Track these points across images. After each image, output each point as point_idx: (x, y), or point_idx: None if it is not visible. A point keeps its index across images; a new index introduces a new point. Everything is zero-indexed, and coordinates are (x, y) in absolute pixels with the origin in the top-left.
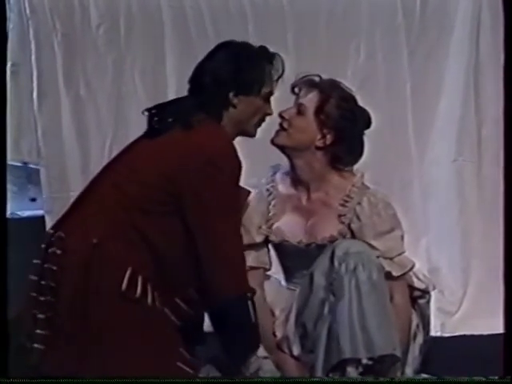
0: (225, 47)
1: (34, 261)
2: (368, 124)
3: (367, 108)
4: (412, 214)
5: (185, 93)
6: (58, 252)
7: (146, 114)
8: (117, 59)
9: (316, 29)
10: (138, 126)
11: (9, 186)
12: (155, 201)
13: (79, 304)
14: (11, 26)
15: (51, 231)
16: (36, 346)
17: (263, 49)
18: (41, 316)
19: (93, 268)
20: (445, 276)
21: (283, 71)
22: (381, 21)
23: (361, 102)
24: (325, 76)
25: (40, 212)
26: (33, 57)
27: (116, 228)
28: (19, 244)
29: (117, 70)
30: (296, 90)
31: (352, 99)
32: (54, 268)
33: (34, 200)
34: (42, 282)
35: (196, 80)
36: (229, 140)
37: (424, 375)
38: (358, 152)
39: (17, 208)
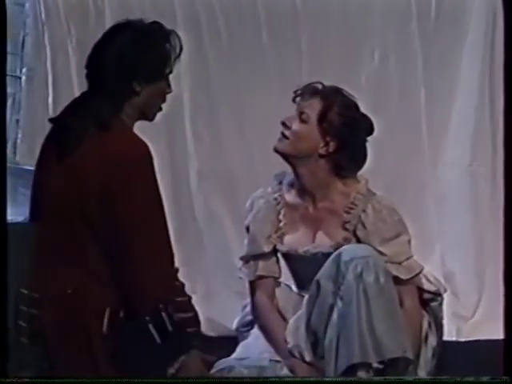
0: (121, 32)
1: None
2: (370, 131)
3: (381, 113)
4: (426, 219)
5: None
6: (35, 312)
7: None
8: None
9: (329, 32)
10: (150, 128)
11: (22, 190)
12: (96, 217)
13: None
14: (26, 31)
15: (25, 292)
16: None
17: (159, 27)
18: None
19: (70, 315)
20: (459, 281)
21: (181, 49)
22: (395, 25)
23: (373, 107)
24: (338, 80)
25: None
26: (48, 62)
27: (86, 272)
28: (17, 246)
29: None
30: (298, 98)
31: (354, 106)
32: (36, 312)
33: None
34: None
35: (97, 70)
36: (135, 143)
37: None
38: (360, 159)
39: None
